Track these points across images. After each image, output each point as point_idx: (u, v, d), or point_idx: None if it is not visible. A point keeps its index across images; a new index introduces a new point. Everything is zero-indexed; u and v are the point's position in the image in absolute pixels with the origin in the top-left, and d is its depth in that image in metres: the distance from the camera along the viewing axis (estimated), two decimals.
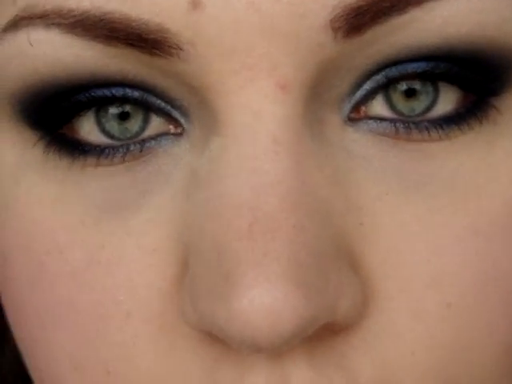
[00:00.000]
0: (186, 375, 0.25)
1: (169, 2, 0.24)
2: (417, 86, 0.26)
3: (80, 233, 0.27)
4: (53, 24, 0.25)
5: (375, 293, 0.25)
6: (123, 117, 0.27)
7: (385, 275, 0.25)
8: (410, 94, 0.26)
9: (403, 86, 0.26)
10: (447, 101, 0.26)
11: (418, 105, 0.26)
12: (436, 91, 0.26)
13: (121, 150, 0.26)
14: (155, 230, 0.26)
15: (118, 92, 0.26)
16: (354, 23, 0.24)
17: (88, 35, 0.25)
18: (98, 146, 0.27)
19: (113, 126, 0.27)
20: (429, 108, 0.26)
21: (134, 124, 0.27)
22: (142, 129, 0.27)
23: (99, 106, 0.27)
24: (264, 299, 0.22)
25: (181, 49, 0.24)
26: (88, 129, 0.27)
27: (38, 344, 0.28)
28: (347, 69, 0.25)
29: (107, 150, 0.26)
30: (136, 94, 0.26)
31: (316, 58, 0.24)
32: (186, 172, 0.26)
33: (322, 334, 0.25)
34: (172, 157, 0.26)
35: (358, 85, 0.26)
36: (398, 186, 0.26)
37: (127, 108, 0.27)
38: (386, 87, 0.26)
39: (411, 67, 0.25)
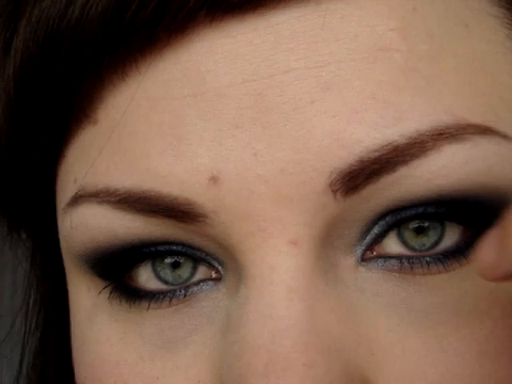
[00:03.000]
0: None
1: (193, 179, 0.28)
2: (425, 223, 0.29)
3: (139, 366, 0.30)
4: (103, 201, 0.29)
5: None
6: (175, 265, 0.31)
7: None
8: (420, 230, 0.29)
9: (413, 225, 0.29)
10: (452, 235, 0.29)
11: (428, 240, 0.29)
12: (442, 227, 0.29)
13: (169, 294, 0.30)
14: (199, 364, 0.29)
15: (165, 248, 0.30)
16: (349, 185, 0.27)
17: (132, 210, 0.29)
18: (151, 291, 0.31)
19: (167, 273, 0.31)
20: (437, 242, 0.29)
21: (184, 271, 0.30)
22: (192, 274, 0.30)
23: (154, 257, 0.31)
24: None
25: (206, 217, 0.28)
26: (145, 276, 0.31)
27: None
28: (352, 221, 0.28)
29: (158, 295, 0.30)
30: (181, 248, 0.30)
31: (321, 216, 0.27)
32: (223, 314, 0.29)
33: None
34: (212, 300, 0.30)
35: (367, 231, 0.29)
36: (407, 316, 0.28)
37: (179, 258, 0.30)
38: (397, 226, 0.29)
39: (411, 212, 0.28)
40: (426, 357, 0.28)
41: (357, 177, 0.27)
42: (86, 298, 0.33)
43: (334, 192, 0.27)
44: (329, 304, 0.28)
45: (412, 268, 0.28)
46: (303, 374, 0.26)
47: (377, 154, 0.27)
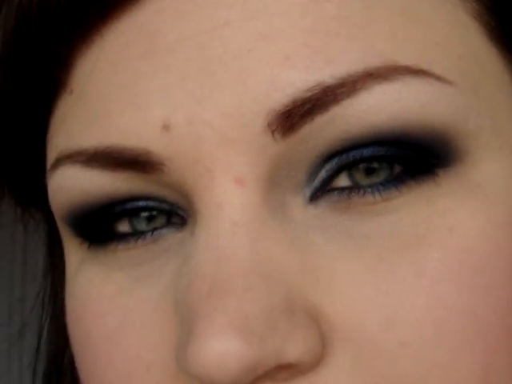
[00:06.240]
0: None
1: (148, 130, 0.30)
2: (374, 164, 0.30)
3: (117, 299, 0.33)
4: (76, 162, 0.32)
5: (335, 336, 0.29)
6: (150, 218, 0.33)
7: (343, 321, 0.29)
8: (370, 171, 0.30)
9: (363, 167, 0.30)
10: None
11: (377, 179, 0.30)
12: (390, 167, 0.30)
13: (141, 237, 0.33)
14: (167, 296, 0.32)
15: (133, 206, 0.33)
16: (286, 125, 0.29)
17: (100, 166, 0.32)
18: (129, 236, 0.33)
19: (142, 226, 0.33)
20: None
21: (158, 223, 0.33)
22: (164, 225, 0.33)
23: (130, 215, 0.33)
24: (211, 344, 0.27)
25: (162, 164, 0.30)
26: (123, 229, 0.34)
27: None
28: (296, 161, 0.30)
29: (134, 239, 0.33)
30: (150, 203, 0.33)
31: (264, 156, 0.30)
32: (185, 250, 0.32)
33: (285, 375, 0.29)
34: (178, 239, 0.32)
35: (314, 173, 0.31)
36: (350, 244, 0.30)
37: (152, 212, 0.33)
38: (348, 169, 0.30)
39: (352, 155, 0.30)
40: (368, 280, 0.29)
41: (292, 117, 0.29)
42: (74, 255, 0.36)
43: (272, 132, 0.29)
44: (274, 236, 0.30)
45: (356, 198, 0.30)
46: (242, 297, 0.28)
47: (308, 93, 0.29)
